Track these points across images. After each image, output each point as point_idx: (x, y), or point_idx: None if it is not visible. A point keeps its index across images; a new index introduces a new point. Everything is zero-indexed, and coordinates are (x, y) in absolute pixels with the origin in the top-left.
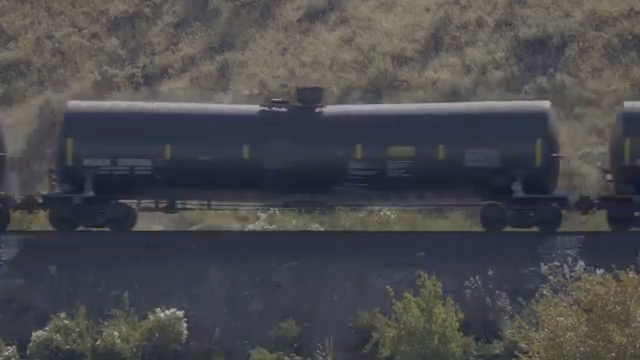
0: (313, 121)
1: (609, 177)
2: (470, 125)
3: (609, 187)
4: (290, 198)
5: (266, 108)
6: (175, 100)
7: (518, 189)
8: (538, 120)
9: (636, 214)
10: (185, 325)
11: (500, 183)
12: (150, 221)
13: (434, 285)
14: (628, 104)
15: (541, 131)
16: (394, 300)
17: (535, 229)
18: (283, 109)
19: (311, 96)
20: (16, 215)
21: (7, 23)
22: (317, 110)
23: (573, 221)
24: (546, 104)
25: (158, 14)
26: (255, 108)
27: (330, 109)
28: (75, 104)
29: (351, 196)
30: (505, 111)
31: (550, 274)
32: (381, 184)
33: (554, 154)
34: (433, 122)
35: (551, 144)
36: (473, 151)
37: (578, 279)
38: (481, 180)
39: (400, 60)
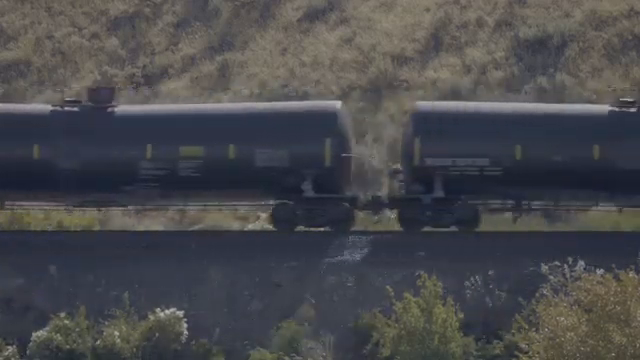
0: (104, 121)
1: (400, 177)
2: (260, 125)
3: (401, 187)
4: (82, 197)
5: (58, 108)
6: (175, 100)
7: (308, 189)
8: (327, 120)
9: (428, 214)
10: (185, 325)
11: (290, 183)
12: (150, 221)
13: (434, 285)
14: (419, 104)
15: (330, 131)
16: (394, 300)
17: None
18: (75, 109)
19: (103, 96)
20: None
21: (7, 23)
22: (109, 110)
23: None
24: (337, 104)
25: (158, 14)
26: (47, 108)
27: (122, 109)
28: None
29: (142, 195)
30: (295, 111)
31: (551, 274)
32: (172, 184)
33: (344, 154)
34: (224, 122)
35: (341, 144)
36: (263, 151)
37: (578, 279)
38: (272, 180)
39: (400, 60)
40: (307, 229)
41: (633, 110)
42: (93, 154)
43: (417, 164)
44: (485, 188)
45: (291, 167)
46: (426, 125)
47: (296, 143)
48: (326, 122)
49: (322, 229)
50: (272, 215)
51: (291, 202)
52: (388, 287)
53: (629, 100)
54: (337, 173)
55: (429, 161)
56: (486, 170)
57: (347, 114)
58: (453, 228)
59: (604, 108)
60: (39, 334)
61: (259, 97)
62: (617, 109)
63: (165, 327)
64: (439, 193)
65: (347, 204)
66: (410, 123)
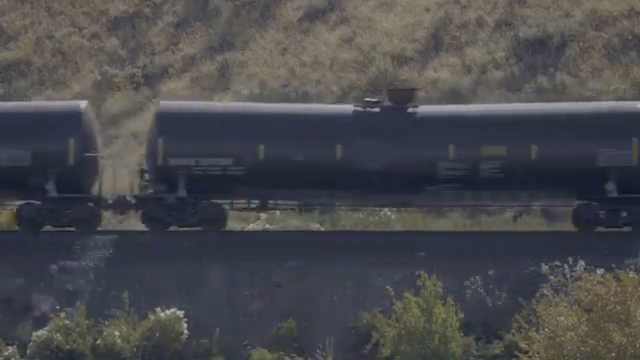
0: None
1: (147, 177)
2: (2, 124)
3: (146, 187)
4: None
5: None
6: (175, 100)
7: (51, 188)
8: (71, 120)
9: (172, 213)
10: (185, 325)
11: (35, 182)
12: None
13: (434, 285)
14: (163, 103)
15: (74, 130)
16: (394, 300)
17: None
18: None
19: None
20: None
21: (7, 23)
22: None
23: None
24: (82, 104)
25: (158, 14)
26: None
27: None
28: None
29: None
30: (38, 111)
31: (551, 274)
32: None
33: (88, 153)
34: None
35: (85, 143)
36: (5, 150)
37: (578, 279)
38: (16, 179)
39: (400, 60)
40: None
41: (376, 110)
42: None
43: (161, 164)
44: (229, 188)
45: (35, 166)
46: (169, 125)
47: (39, 142)
48: (71, 122)
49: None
50: (17, 215)
51: (37, 202)
52: (388, 287)
53: (373, 100)
54: (81, 172)
55: (173, 161)
56: (229, 170)
57: (92, 114)
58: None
59: (348, 108)
60: (39, 334)
61: (259, 97)
62: (361, 109)
63: (165, 327)
64: (182, 193)
65: (91, 204)
66: (154, 123)
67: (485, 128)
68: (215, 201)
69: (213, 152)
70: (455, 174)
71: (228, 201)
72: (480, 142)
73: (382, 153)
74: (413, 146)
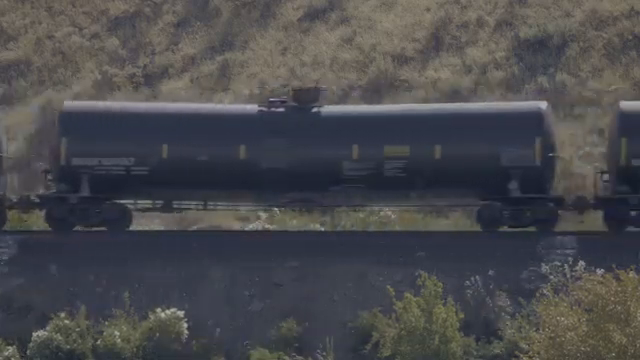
0: None
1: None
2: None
3: None
4: None
5: None
6: (176, 100)
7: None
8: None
9: None
10: (185, 325)
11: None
12: (150, 221)
13: (434, 285)
14: None
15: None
16: (394, 300)
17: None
18: None
19: None
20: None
21: (7, 23)
22: None
23: None
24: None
25: (158, 14)
26: None
27: None
28: None
29: None
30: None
31: (551, 274)
32: None
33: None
34: None
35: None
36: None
37: (579, 279)
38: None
39: (400, 60)
40: None
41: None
42: None
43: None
44: None
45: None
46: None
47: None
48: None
49: None
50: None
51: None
52: (389, 287)
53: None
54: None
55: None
56: None
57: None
58: None
59: None
60: (39, 334)
61: (259, 97)
62: None
63: (166, 327)
64: None
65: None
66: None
67: None
68: None
69: None
70: None
71: None
72: None
73: None
74: None
